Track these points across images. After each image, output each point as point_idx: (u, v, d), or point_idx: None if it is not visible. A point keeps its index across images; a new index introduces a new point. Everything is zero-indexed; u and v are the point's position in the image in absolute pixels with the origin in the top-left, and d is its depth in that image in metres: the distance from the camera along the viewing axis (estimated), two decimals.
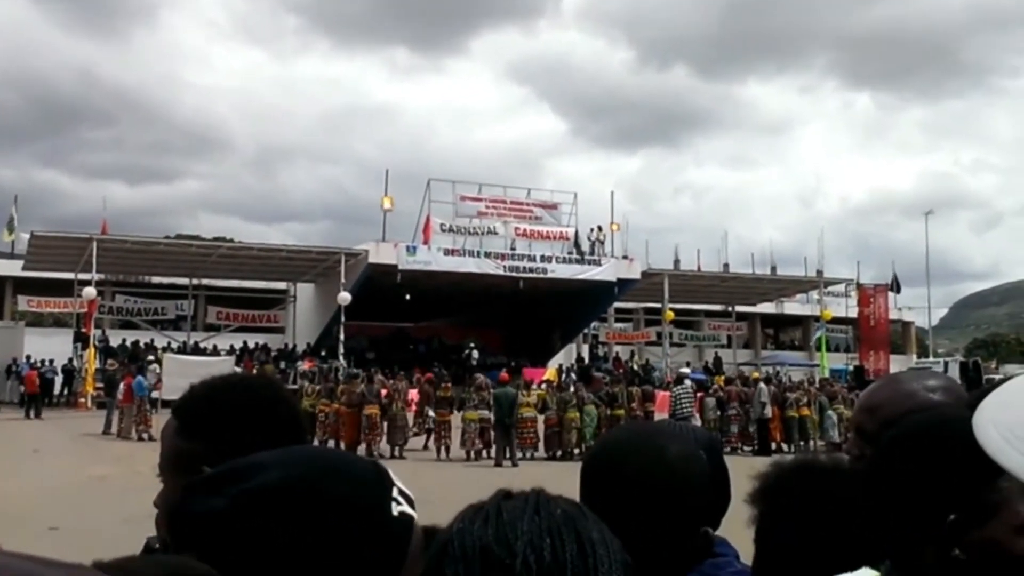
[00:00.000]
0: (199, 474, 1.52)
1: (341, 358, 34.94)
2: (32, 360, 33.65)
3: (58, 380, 32.55)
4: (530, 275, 37.54)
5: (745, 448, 21.61)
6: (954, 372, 51.03)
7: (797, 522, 1.43)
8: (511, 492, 0.94)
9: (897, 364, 50.34)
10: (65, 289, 37.54)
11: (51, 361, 32.67)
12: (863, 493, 1.36)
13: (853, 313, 49.52)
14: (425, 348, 42.60)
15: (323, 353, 37.58)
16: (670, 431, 1.54)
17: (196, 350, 36.51)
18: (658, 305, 42.54)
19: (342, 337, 35.57)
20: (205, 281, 42.05)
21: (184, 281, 40.67)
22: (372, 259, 35.61)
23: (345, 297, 34.17)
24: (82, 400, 30.19)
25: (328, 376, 27.81)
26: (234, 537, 0.98)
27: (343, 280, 35.12)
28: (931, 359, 55.69)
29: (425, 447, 20.33)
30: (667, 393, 26.10)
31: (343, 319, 35.39)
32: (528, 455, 19.66)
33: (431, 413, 20.37)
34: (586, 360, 43.36)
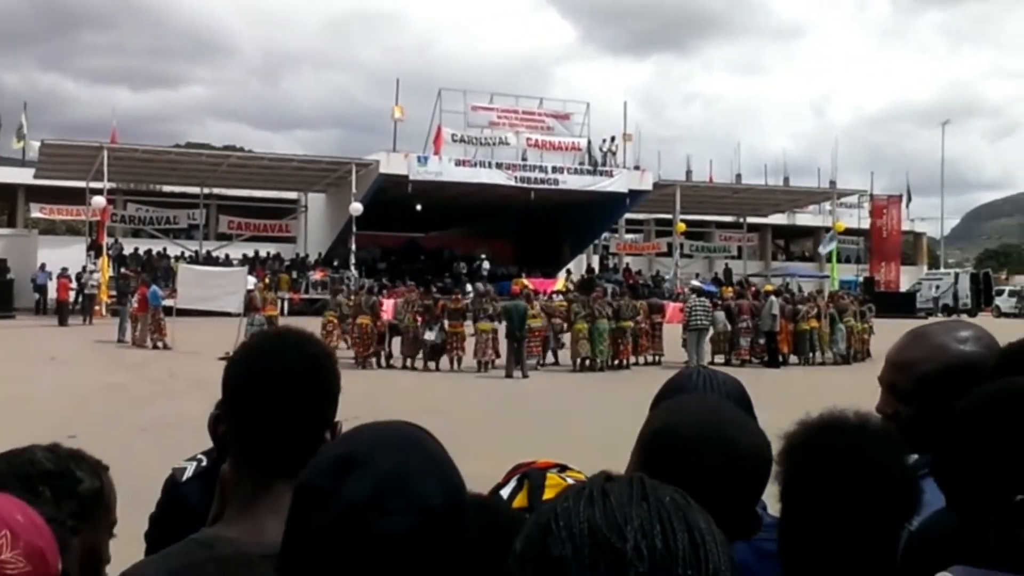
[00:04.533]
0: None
1: (352, 268, 35.06)
2: (47, 268, 33.91)
3: (72, 288, 32.74)
4: (541, 186, 37.32)
5: (754, 360, 21.73)
6: (964, 283, 51.21)
7: (824, 481, 1.40)
8: (612, 475, 0.93)
9: (908, 275, 50.35)
10: (77, 197, 37.46)
11: (65, 269, 32.84)
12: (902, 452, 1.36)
13: (865, 224, 49.26)
14: (435, 258, 42.66)
15: (335, 263, 37.69)
16: (737, 417, 1.51)
17: (209, 259, 36.61)
18: (669, 216, 42.40)
19: (353, 247, 35.63)
20: (216, 190, 41.93)
21: (195, 190, 40.56)
22: (383, 169, 35.43)
23: (356, 207, 34.10)
24: (96, 308, 30.43)
25: (337, 288, 27.85)
26: (421, 558, 1.01)
27: (354, 190, 35.00)
28: (942, 270, 55.64)
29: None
30: (678, 305, 26.19)
31: (354, 229, 35.38)
32: (536, 364, 19.89)
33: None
34: (596, 271, 43.40)
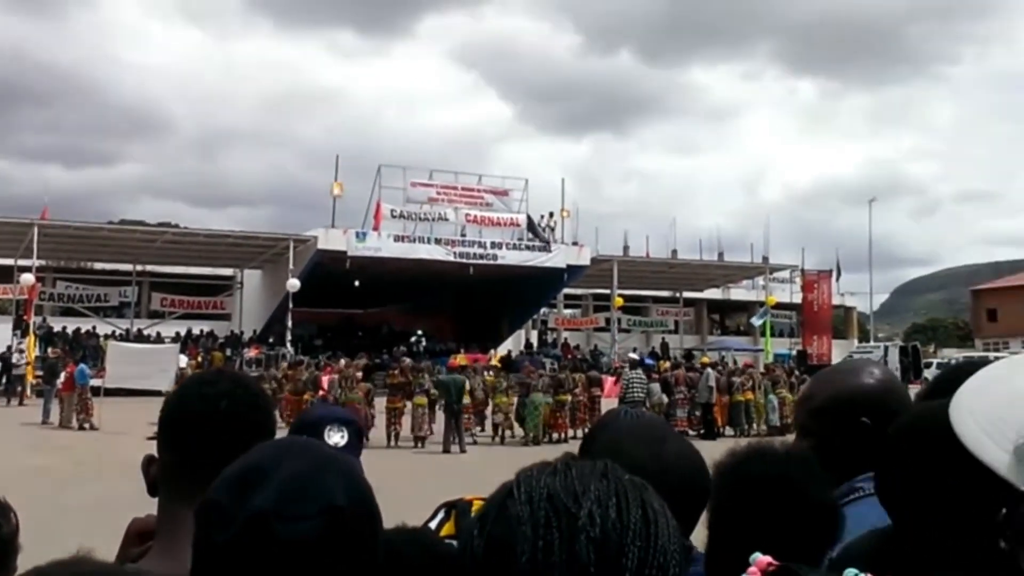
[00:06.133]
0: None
1: (288, 345, 34.64)
2: None
3: None
4: (480, 261, 37.51)
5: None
6: (894, 356, 52.18)
7: (750, 507, 1.42)
8: (576, 456, 0.97)
9: (839, 348, 51.21)
10: (5, 275, 36.65)
11: None
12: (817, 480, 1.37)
13: (797, 299, 50.22)
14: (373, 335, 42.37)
15: (270, 340, 37.22)
16: (667, 427, 1.55)
17: (140, 337, 35.87)
18: (607, 291, 42.77)
19: (289, 324, 35.25)
20: (149, 267, 41.37)
21: (128, 267, 39.96)
22: (321, 245, 35.32)
23: (294, 284, 33.85)
24: (20, 388, 29.52)
25: (272, 363, 27.54)
26: (332, 561, 0.99)
27: (291, 266, 34.79)
28: (872, 344, 56.76)
29: None
30: (613, 379, 26.32)
31: (291, 306, 35.06)
32: (471, 440, 19.82)
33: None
34: (535, 346, 43.46)
